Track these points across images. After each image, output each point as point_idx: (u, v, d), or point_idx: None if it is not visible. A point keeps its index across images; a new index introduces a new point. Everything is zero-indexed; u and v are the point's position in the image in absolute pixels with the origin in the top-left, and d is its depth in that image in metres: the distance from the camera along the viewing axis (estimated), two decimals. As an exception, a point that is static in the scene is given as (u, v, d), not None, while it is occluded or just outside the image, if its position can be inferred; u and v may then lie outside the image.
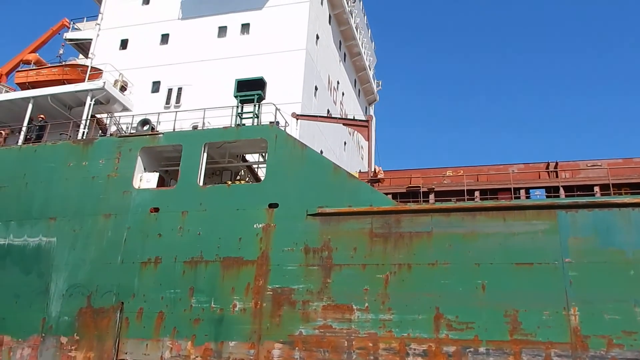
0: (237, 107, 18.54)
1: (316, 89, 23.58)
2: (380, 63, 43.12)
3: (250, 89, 18.58)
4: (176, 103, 22.58)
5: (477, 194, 16.72)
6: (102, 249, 17.53)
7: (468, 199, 16.24)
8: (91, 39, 26.02)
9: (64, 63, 22.94)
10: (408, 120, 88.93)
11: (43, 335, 17.42)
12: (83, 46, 26.71)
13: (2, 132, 21.25)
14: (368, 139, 16.84)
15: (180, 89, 22.77)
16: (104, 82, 20.46)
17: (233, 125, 18.20)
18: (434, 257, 14.32)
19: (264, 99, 18.60)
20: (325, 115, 17.84)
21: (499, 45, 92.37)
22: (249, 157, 20.26)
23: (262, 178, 19.85)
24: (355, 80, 32.60)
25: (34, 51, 25.00)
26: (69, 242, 18.03)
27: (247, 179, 20.15)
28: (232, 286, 15.67)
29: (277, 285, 15.27)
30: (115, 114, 22.01)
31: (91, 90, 20.64)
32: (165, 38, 24.98)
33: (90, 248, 17.69)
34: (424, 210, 14.88)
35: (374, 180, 16.38)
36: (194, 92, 23.07)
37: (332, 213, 15.50)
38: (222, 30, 24.20)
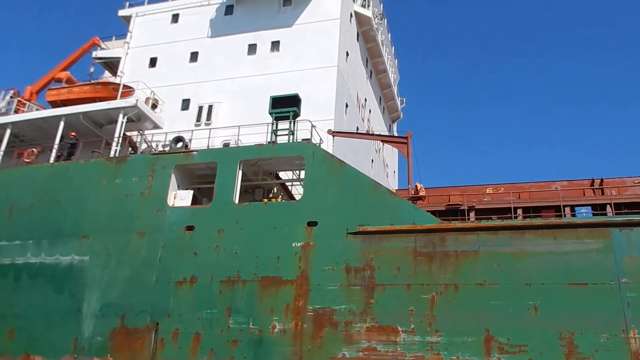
0: (272, 124, 18.54)
1: (346, 106, 23.60)
2: (401, 80, 43.20)
3: (285, 106, 18.62)
4: (207, 120, 22.69)
5: (520, 211, 16.45)
6: (136, 267, 17.45)
7: (504, 217, 15.98)
8: (120, 58, 26.38)
9: (95, 81, 23.19)
10: (431, 137, 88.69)
11: (75, 356, 17.28)
12: (111, 64, 27.09)
13: (34, 150, 21.45)
14: (408, 155, 16.72)
15: (210, 107, 22.90)
16: (137, 100, 20.64)
17: (268, 142, 18.19)
18: (481, 277, 14.03)
19: (299, 115, 18.60)
20: (360, 132, 17.74)
21: (534, 53, 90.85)
22: (282, 174, 20.18)
23: (296, 196, 19.91)
24: (380, 97, 32.65)
25: (64, 69, 25.37)
26: (102, 261, 17.98)
27: (280, 197, 20.06)
28: (271, 306, 15.46)
29: (317, 306, 15.04)
30: (146, 132, 22.16)
31: (123, 107, 20.81)
32: (194, 56, 25.25)
33: (124, 267, 17.62)
34: (470, 229, 14.65)
35: (415, 198, 16.21)
36: (224, 109, 23.17)
37: (374, 231, 15.32)
38: (252, 48, 24.41)
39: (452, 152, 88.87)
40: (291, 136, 18.17)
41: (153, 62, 25.92)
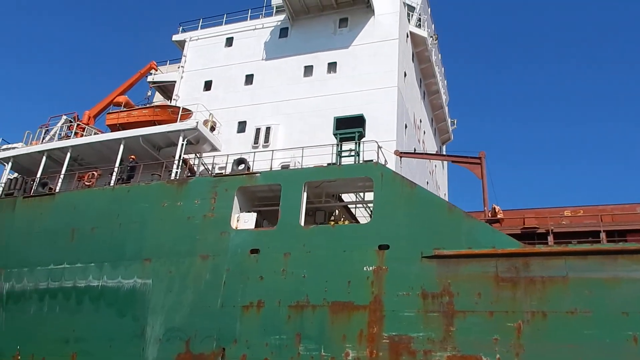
0: (337, 145, 18.50)
1: (406, 127, 23.45)
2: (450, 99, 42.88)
3: (350, 127, 18.61)
4: (265, 142, 22.84)
5: (603, 235, 15.77)
6: (200, 291, 17.42)
7: (593, 241, 15.33)
8: (174, 82, 26.99)
9: (153, 104, 23.73)
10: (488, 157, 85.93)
11: (139, 381, 17.23)
12: (165, 88, 27.74)
13: (94, 173, 21.92)
14: (482, 176, 16.35)
15: (268, 129, 23.07)
16: (197, 122, 20.95)
17: (333, 164, 18.12)
18: (572, 305, 13.41)
19: (364, 136, 18.51)
20: (428, 152, 17.49)
21: (594, 58, 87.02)
22: (344, 197, 20.03)
23: (360, 218, 19.69)
24: (432, 119, 32.43)
25: (122, 93, 26.12)
26: (165, 284, 18.03)
27: (342, 220, 19.86)
28: (343, 333, 15.12)
29: (393, 333, 14.63)
30: (204, 155, 22.44)
31: (183, 130, 21.14)
32: (249, 78, 25.65)
33: (188, 290, 17.62)
34: (557, 253, 14.09)
35: (492, 221, 15.76)
36: (281, 131, 23.32)
37: (451, 255, 14.91)
38: (308, 70, 24.65)
39: (506, 173, 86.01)
40: (356, 157, 18.03)
41: (208, 85, 26.42)
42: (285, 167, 20.46)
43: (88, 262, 19.75)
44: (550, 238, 16.17)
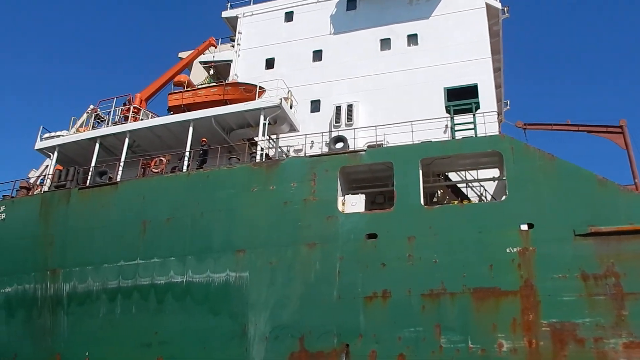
0: (450, 118, 17.61)
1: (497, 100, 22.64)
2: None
3: (461, 98, 17.69)
4: (347, 121, 21.81)
5: None
6: (311, 283, 16.40)
7: None
8: (230, 61, 25.82)
9: (224, 83, 22.57)
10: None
11: (246, 385, 16.14)
12: (220, 68, 26.53)
13: (162, 159, 20.72)
14: (626, 146, 15.55)
15: (350, 106, 22.05)
16: (280, 99, 19.84)
17: (449, 138, 17.21)
18: None
19: (479, 107, 17.62)
20: (556, 123, 16.64)
21: None
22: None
23: (472, 197, 18.79)
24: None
25: (177, 73, 24.89)
26: (266, 277, 16.96)
27: (446, 200, 18.94)
28: (493, 322, 14.23)
29: (554, 320, 13.77)
30: (282, 136, 21.40)
31: (264, 108, 20.03)
32: (318, 54, 24.61)
33: (295, 282, 16.58)
34: None
35: (649, 193, 14.93)
36: (361, 108, 22.31)
37: (612, 232, 14.07)
38: (386, 43, 23.69)
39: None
40: (475, 130, 17.14)
41: (270, 63, 25.32)
42: (372, 147, 19.40)
43: (167, 257, 18.57)
44: None
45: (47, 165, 29.11)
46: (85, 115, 27.45)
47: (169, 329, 17.73)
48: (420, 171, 16.71)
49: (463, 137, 16.93)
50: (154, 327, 17.95)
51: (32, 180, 25.40)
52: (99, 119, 26.37)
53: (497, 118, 17.24)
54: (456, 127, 17.57)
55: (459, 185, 18.94)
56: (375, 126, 18.69)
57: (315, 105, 23.24)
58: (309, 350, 15.69)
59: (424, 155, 16.87)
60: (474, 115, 17.33)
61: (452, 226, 15.57)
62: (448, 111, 17.82)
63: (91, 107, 27.96)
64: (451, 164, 18.21)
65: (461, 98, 17.67)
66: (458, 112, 17.68)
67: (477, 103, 17.49)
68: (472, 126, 17.29)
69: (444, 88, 18.11)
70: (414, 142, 17.38)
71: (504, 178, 16.12)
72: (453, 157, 17.39)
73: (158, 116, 23.69)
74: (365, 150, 17.66)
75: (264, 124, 19.92)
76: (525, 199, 15.23)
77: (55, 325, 19.80)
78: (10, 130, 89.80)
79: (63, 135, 23.98)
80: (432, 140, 17.32)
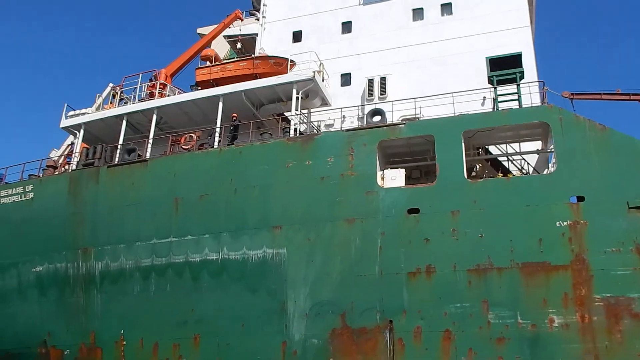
0: (493, 89, 17.28)
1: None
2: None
3: (504, 67, 17.31)
4: (381, 95, 21.49)
5: None
6: (351, 259, 16.31)
7: None
8: (255, 34, 25.46)
9: (254, 56, 22.27)
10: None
11: (286, 362, 16.18)
12: (245, 42, 26.17)
13: (192, 135, 20.58)
14: (682, 115, 15.16)
15: (383, 79, 21.70)
16: (314, 72, 19.53)
17: (491, 110, 16.88)
18: None
19: (524, 77, 17.22)
20: (605, 92, 16.22)
21: None
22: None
23: (512, 171, 18.50)
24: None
25: (203, 48, 24.61)
26: (305, 254, 16.89)
27: (485, 174, 18.65)
28: (543, 297, 14.07)
29: (607, 294, 13.60)
30: (313, 110, 21.14)
31: (297, 82, 19.74)
32: (347, 26, 24.20)
33: (335, 259, 16.50)
34: None
35: None
36: (394, 81, 21.94)
37: (668, 204, 13.75)
38: (418, 13, 23.23)
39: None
40: (520, 101, 16.80)
41: (297, 36, 24.95)
42: (407, 120, 19.07)
43: (201, 234, 18.53)
44: None
45: (69, 144, 29.19)
46: (105, 94, 27.37)
47: (205, 307, 17.77)
48: (463, 144, 16.45)
49: (509, 108, 16.56)
50: (190, 305, 18.00)
51: (55, 159, 25.45)
52: (120, 97, 26.26)
53: (542, 88, 16.80)
54: (499, 98, 17.22)
55: (499, 158, 18.61)
56: (415, 98, 18.32)
57: (346, 79, 22.92)
58: (351, 326, 15.67)
59: (467, 127, 16.56)
60: (518, 85, 16.96)
61: (498, 200, 15.35)
62: (490, 81, 17.45)
63: (111, 85, 27.85)
64: (491, 137, 17.89)
65: (504, 68, 17.30)
66: (500, 82, 17.29)
67: (522, 72, 17.15)
68: (515, 97, 16.93)
69: (486, 58, 17.77)
70: (455, 115, 17.02)
71: (551, 150, 15.80)
72: (495, 130, 17.07)
73: (184, 92, 23.50)
74: (404, 123, 17.37)
75: (297, 98, 19.64)
76: (575, 171, 14.94)
77: (89, 303, 19.94)
78: (27, 109, 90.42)
79: (88, 113, 23.87)
80: (473, 112, 16.98)
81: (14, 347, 21.29)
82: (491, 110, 17.33)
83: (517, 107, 16.71)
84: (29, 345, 20.89)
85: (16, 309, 21.54)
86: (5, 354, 21.67)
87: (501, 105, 17.14)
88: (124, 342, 18.83)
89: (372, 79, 21.96)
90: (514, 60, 17.29)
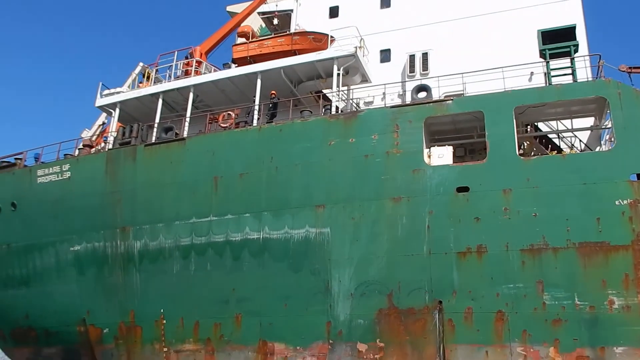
0: (545, 63, 16.83)
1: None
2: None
3: (557, 40, 16.81)
4: (423, 70, 21.11)
5: None
6: (398, 238, 16.15)
7: None
8: (290, 10, 25.13)
9: (293, 32, 22.02)
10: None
11: (331, 341, 16.22)
12: (280, 19, 25.87)
13: (230, 113, 20.47)
14: None
15: (425, 54, 21.31)
16: (355, 48, 19.22)
17: (550, 84, 16.45)
18: None
19: (578, 50, 16.72)
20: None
21: None
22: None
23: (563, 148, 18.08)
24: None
25: (237, 25, 24.42)
26: (349, 233, 16.78)
27: (533, 152, 18.23)
28: (602, 278, 13.77)
29: (671, 275, 13.20)
30: (352, 87, 20.84)
31: (338, 57, 19.47)
32: (385, 1, 23.73)
33: (381, 238, 16.37)
34: None
35: None
36: (438, 57, 21.52)
37: None
38: (461, -15, 22.64)
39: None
40: (574, 75, 16.33)
41: (334, 12, 24.60)
42: (449, 97, 18.67)
43: (241, 213, 18.51)
44: None
45: (100, 124, 29.40)
46: (135, 73, 27.43)
47: (247, 286, 17.83)
48: (515, 120, 16.07)
49: (563, 83, 16.10)
50: (231, 284, 18.07)
51: (91, 138, 25.63)
52: (148, 77, 26.28)
53: (598, 62, 16.28)
54: (552, 73, 16.77)
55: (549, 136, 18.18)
56: (462, 73, 17.91)
57: (385, 55, 22.56)
58: (399, 307, 15.58)
59: (519, 103, 16.16)
60: (572, 59, 16.47)
61: (553, 178, 14.99)
62: (543, 55, 16.97)
63: (141, 64, 27.87)
64: (540, 114, 17.43)
65: (557, 41, 16.80)
66: (552, 56, 16.81)
67: (577, 45, 16.64)
68: (569, 71, 16.45)
69: (538, 30, 17.26)
70: (507, 90, 16.60)
71: (607, 126, 15.36)
72: (547, 106, 16.64)
73: (219, 70, 23.38)
74: (452, 100, 17.01)
75: (337, 74, 19.37)
76: (635, 148, 14.50)
77: (128, 282, 20.14)
78: (55, 89, 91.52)
79: (123, 92, 23.92)
80: (523, 87, 16.55)
81: (53, 325, 21.71)
82: (543, 85, 16.84)
83: (572, 81, 16.23)
84: (67, 324, 21.27)
85: (54, 288, 21.87)
86: (44, 332, 22.11)
87: (554, 80, 16.68)
88: (164, 321, 19.05)
89: (414, 55, 21.59)
90: (568, 33, 16.79)
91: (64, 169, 22.53)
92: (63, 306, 21.46)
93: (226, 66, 25.14)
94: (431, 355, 14.87)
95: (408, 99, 19.90)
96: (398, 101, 20.62)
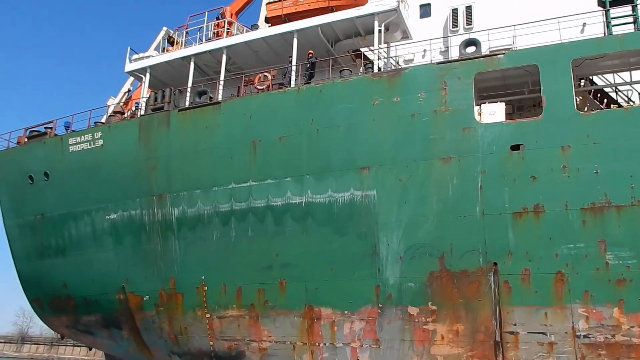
0: (606, 11, 16.09)
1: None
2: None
3: (617, -12, 16.04)
4: (467, 25, 20.42)
5: None
6: (448, 200, 15.85)
7: None
8: (322, -34, 24.38)
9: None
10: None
11: (380, 305, 16.15)
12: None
13: (266, 74, 20.09)
14: None
15: (469, 8, 20.56)
16: (397, 2, 18.60)
17: (604, 34, 15.80)
18: None
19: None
20: None
21: None
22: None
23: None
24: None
25: (268, -17, 23.80)
26: (397, 195, 16.50)
27: (586, 107, 17.65)
28: (670, 236, 13.35)
29: None
30: (393, 44, 20.27)
31: (379, 13, 18.87)
32: (425, -48, 22.87)
33: (430, 200, 16.07)
34: None
35: None
36: (482, 10, 20.75)
37: None
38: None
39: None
40: (636, 24, 15.62)
41: (366, -33, 23.76)
42: (500, 52, 18.00)
43: (282, 177, 18.29)
44: None
45: (126, 91, 29.23)
46: (159, 38, 27.09)
47: (290, 251, 17.73)
48: (572, 74, 15.48)
49: (626, 32, 15.43)
50: (274, 250, 17.99)
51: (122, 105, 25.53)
52: (173, 42, 25.92)
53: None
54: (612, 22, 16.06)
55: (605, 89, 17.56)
56: (514, 25, 17.23)
57: (425, 10, 21.79)
58: (451, 269, 15.38)
59: (576, 55, 15.52)
60: (634, 6, 15.74)
61: (616, 133, 14.47)
62: (602, 4, 16.24)
63: (164, 29, 27.50)
64: (595, 66, 16.77)
65: (616, -12, 16.04)
66: (612, 4, 16.09)
67: (640, -8, 15.86)
68: (630, 19, 15.74)
69: (598, -23, 16.46)
70: (563, 41, 15.95)
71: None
72: (604, 57, 15.98)
73: (251, 30, 22.90)
74: (504, 53, 16.42)
75: (379, 30, 18.81)
76: None
77: (167, 250, 20.19)
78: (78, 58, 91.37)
79: (152, 56, 23.61)
80: (581, 38, 15.90)
81: (91, 293, 22.00)
82: (602, 35, 16.15)
83: (634, 30, 15.54)
84: (106, 292, 21.52)
85: (91, 256, 22.07)
86: (82, 300, 22.43)
87: (614, 30, 16.00)
88: (206, 288, 19.13)
89: (457, 9, 20.82)
90: (626, -20, 16.03)
91: (96, 137, 22.44)
92: (101, 275, 21.68)
93: (254, 27, 24.65)
94: (486, 318, 14.72)
95: (451, 56, 19.31)
96: (440, 58, 20.01)
